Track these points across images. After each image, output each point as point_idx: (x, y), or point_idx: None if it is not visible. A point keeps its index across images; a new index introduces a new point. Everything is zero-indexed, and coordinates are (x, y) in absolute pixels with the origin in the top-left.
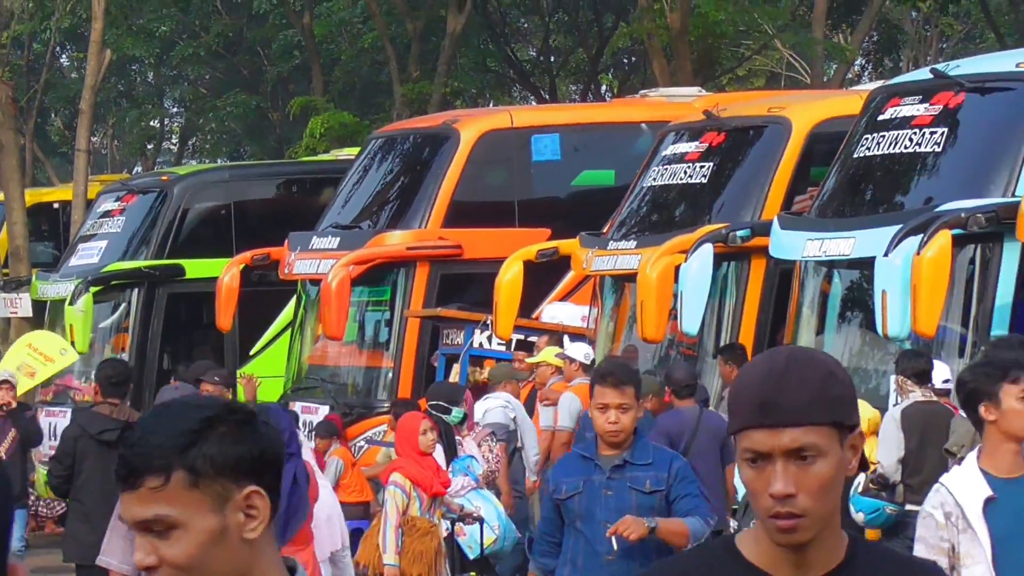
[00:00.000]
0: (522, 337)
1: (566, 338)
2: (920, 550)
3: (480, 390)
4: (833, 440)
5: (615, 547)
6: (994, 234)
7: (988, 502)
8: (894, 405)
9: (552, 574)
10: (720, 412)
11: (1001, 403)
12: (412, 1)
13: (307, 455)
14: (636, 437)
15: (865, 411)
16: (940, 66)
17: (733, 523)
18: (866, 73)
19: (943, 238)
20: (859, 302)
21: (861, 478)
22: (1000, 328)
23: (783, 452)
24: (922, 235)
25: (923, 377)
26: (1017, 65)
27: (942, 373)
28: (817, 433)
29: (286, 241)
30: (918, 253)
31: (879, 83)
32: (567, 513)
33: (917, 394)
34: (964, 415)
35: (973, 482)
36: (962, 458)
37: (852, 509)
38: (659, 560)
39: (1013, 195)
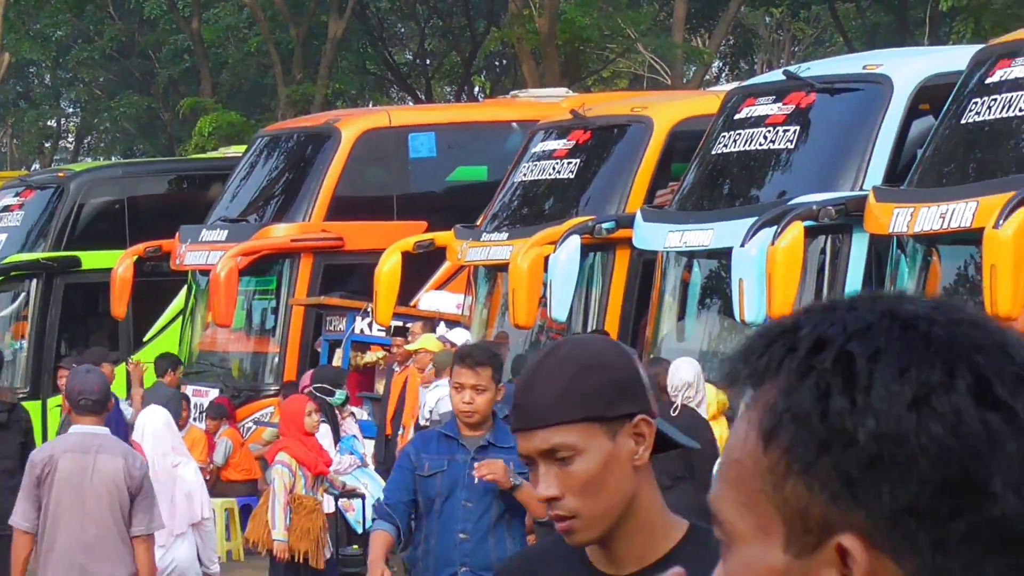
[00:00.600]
0: (401, 324)
1: (442, 324)
2: None
3: (363, 374)
4: (594, 435)
5: (477, 480)
6: (844, 225)
7: None
8: None
9: (404, 534)
10: None
11: None
12: (295, 7)
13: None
14: (496, 420)
15: (712, 394)
16: (792, 68)
17: None
18: (723, 75)
19: (796, 229)
20: (717, 290)
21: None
22: None
23: (539, 454)
24: (776, 227)
25: None
26: (864, 67)
27: None
28: (568, 431)
29: (177, 234)
30: (773, 243)
31: (735, 84)
32: (426, 491)
33: None
34: None
35: None
36: None
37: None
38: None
39: (861, 189)
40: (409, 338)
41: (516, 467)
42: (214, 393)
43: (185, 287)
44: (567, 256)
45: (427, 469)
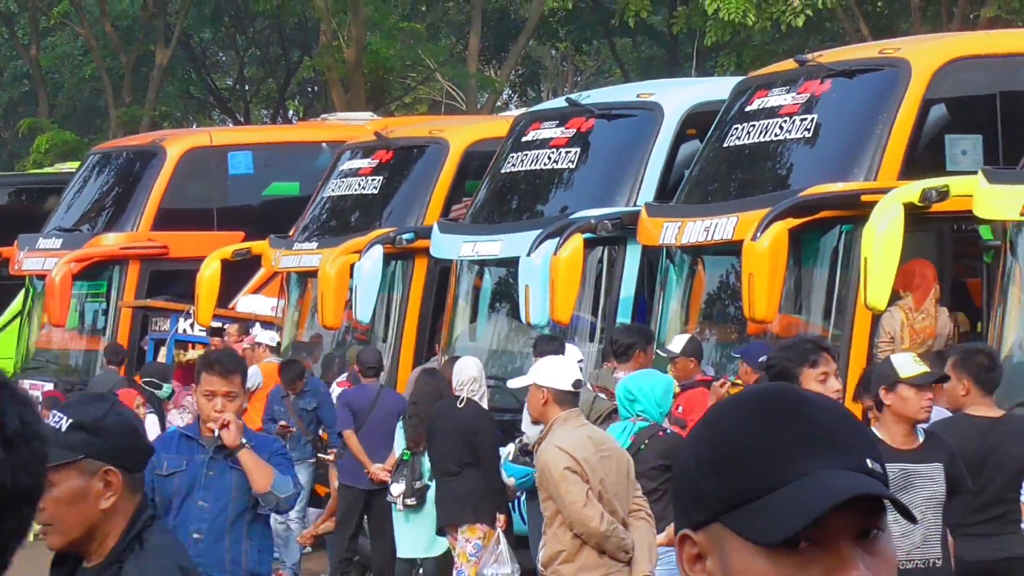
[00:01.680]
0: (219, 325)
1: (257, 325)
2: None
3: (185, 369)
4: (64, 476)
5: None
6: (619, 237)
7: None
8: None
9: None
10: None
11: (801, 385)
12: (125, 37)
13: None
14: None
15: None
16: (574, 96)
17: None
18: (513, 101)
19: (576, 241)
20: (506, 295)
21: (511, 447)
22: (624, 317)
23: None
24: (558, 238)
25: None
26: (638, 96)
27: (574, 355)
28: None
29: (16, 242)
30: (555, 253)
31: (523, 110)
32: (165, 490)
33: None
34: (589, 386)
35: None
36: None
37: (504, 475)
38: None
39: (635, 204)
40: (224, 337)
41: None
42: (49, 386)
43: (23, 290)
44: (371, 264)
45: (166, 468)
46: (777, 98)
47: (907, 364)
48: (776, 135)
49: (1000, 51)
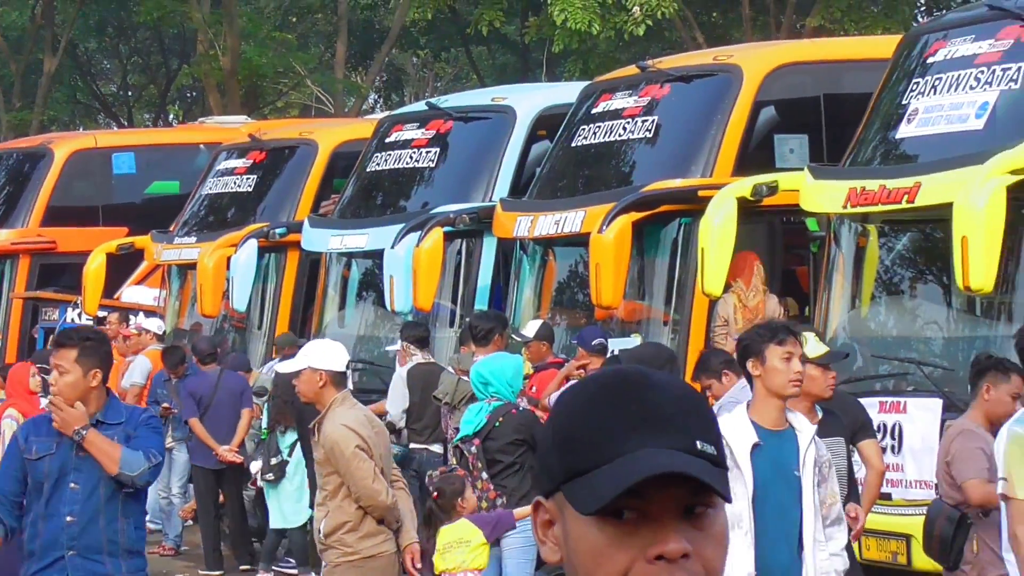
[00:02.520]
0: (105, 314)
1: (141, 314)
2: None
3: None
4: None
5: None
6: (476, 231)
7: (755, 447)
8: (401, 366)
9: (12, 532)
10: None
11: (766, 361)
12: (14, 45)
13: None
14: (110, 398)
15: None
16: (434, 100)
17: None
18: (377, 105)
19: (436, 234)
20: (372, 285)
21: None
22: (481, 304)
23: None
24: (420, 231)
25: (423, 343)
26: (492, 100)
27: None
28: None
29: None
30: (417, 245)
31: (387, 113)
32: (35, 474)
33: (419, 357)
34: (451, 370)
35: (742, 428)
36: (449, 403)
37: None
38: None
39: (490, 200)
40: (106, 325)
41: (123, 441)
42: None
43: None
44: (246, 256)
45: (35, 452)
46: (620, 101)
47: (812, 345)
48: (620, 135)
49: (824, 57)
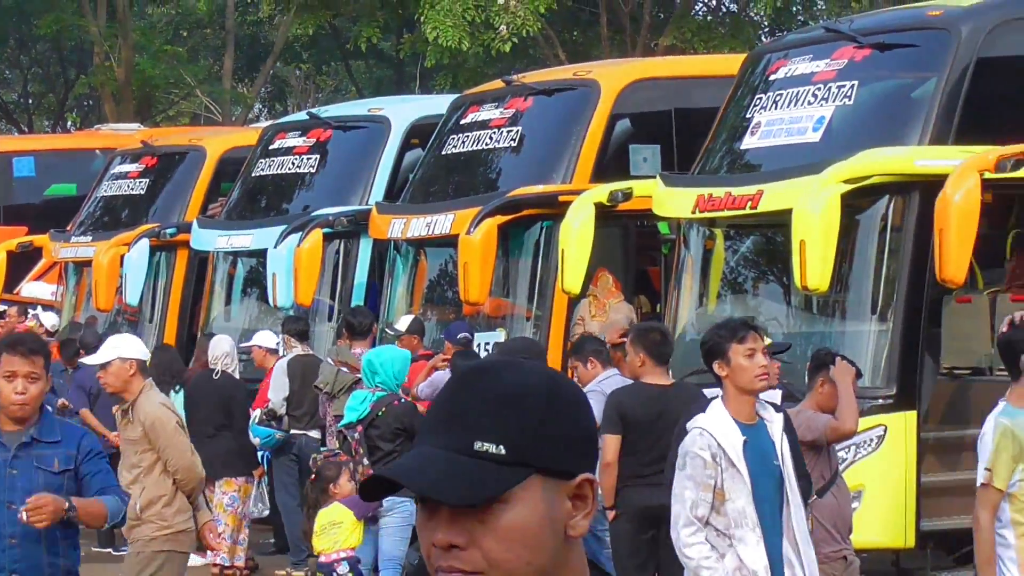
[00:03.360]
0: (3, 308)
1: (40, 308)
2: (689, 487)
3: None
4: None
5: (24, 517)
6: (353, 232)
7: (744, 444)
8: (282, 357)
9: None
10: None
11: (731, 360)
12: None
13: None
14: (42, 414)
15: None
16: (315, 110)
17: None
18: (262, 115)
19: (316, 235)
20: (256, 282)
21: (258, 413)
22: (358, 300)
23: None
24: (301, 232)
25: (303, 336)
26: (369, 110)
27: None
28: None
29: None
30: (298, 245)
31: (271, 122)
32: None
33: (298, 348)
34: (330, 361)
35: (728, 427)
36: (328, 392)
37: (252, 435)
38: None
39: (367, 203)
40: (6, 319)
41: (63, 462)
42: None
43: None
44: (138, 255)
45: None
46: (487, 113)
47: None
48: (487, 144)
49: (675, 74)
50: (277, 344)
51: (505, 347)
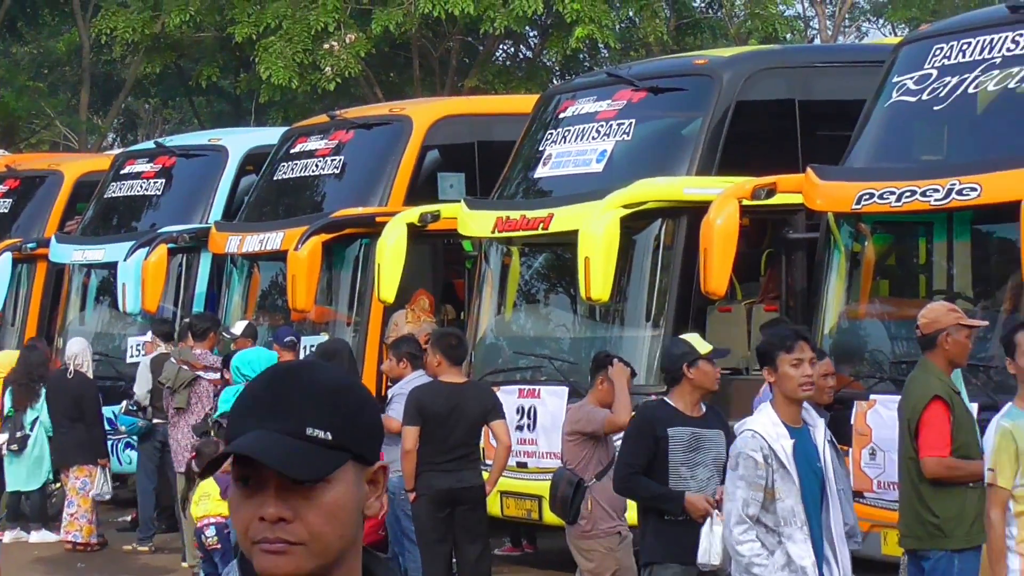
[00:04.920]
0: None
1: None
2: (742, 486)
3: None
4: None
5: None
6: (195, 247)
7: (794, 447)
8: (144, 355)
9: None
10: None
11: (778, 368)
12: None
13: None
14: None
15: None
16: (161, 140)
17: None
18: (115, 143)
19: (161, 249)
20: (108, 291)
21: (124, 404)
22: (199, 307)
23: None
24: (148, 247)
25: (168, 337)
26: (209, 140)
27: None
28: None
29: None
30: (145, 259)
31: (122, 150)
32: None
33: (162, 348)
34: (173, 361)
35: (779, 431)
36: (170, 387)
37: (119, 424)
38: None
39: (207, 222)
40: None
41: None
42: None
43: None
44: (2, 267)
45: None
46: (314, 143)
47: (701, 342)
48: (313, 171)
49: (478, 111)
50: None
51: (319, 347)
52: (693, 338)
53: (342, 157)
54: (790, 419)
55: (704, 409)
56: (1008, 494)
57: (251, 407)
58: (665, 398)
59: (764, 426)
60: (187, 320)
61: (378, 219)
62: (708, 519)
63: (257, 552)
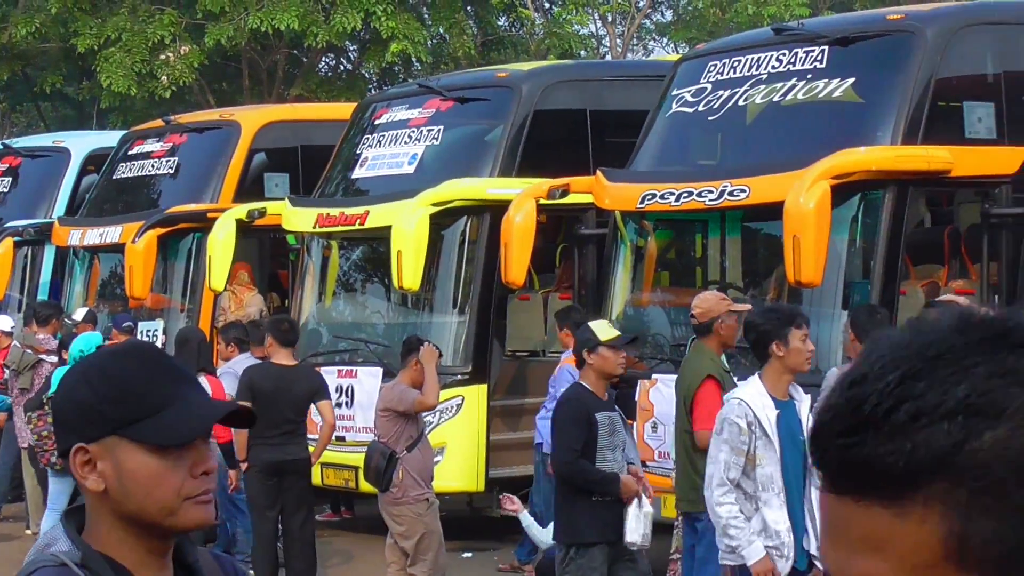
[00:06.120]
0: None
1: None
2: (725, 450)
3: None
4: None
5: None
6: (40, 240)
7: (777, 417)
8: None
9: None
10: None
11: (789, 343)
12: None
13: None
14: None
15: None
16: (8, 141)
17: None
18: None
19: (8, 243)
20: None
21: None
22: (43, 295)
23: None
24: None
25: (43, 321)
26: (53, 143)
27: (7, 321)
28: None
29: None
30: None
31: None
32: None
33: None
34: (18, 344)
35: (764, 400)
36: (15, 370)
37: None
38: None
39: (51, 217)
40: None
41: None
42: None
43: None
44: None
45: None
46: (151, 145)
47: (604, 329)
48: (150, 171)
49: (302, 117)
50: (12, 328)
51: (183, 332)
52: (598, 325)
53: (176, 158)
54: (779, 392)
55: (607, 394)
56: None
57: (160, 378)
58: (582, 382)
59: (751, 395)
60: (31, 307)
61: (209, 215)
62: (636, 500)
63: (190, 507)
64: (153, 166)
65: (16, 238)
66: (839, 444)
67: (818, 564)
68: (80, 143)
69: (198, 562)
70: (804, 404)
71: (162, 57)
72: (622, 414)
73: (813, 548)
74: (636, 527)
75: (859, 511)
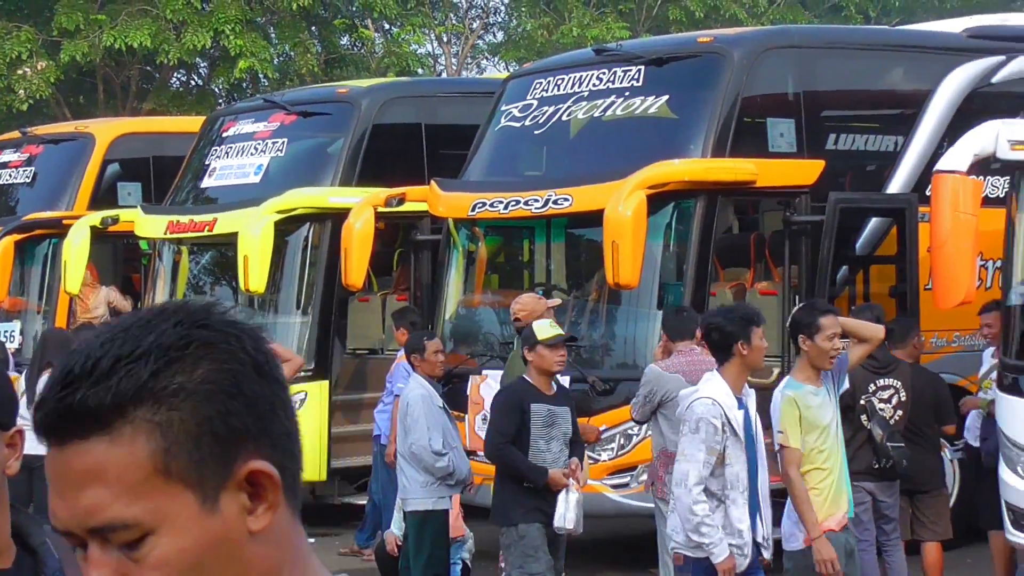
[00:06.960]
0: None
1: None
2: (703, 449)
3: None
4: None
5: None
6: None
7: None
8: None
9: None
10: None
11: (751, 342)
12: None
13: None
14: None
15: None
16: None
17: None
18: None
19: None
20: None
21: None
22: None
23: None
24: None
25: None
26: None
27: None
28: None
29: None
30: None
31: None
32: None
33: None
34: None
35: (730, 401)
36: None
37: None
38: None
39: None
40: None
41: None
42: None
43: None
44: None
45: None
46: (8, 156)
47: (544, 329)
48: (8, 180)
49: (154, 130)
50: None
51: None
52: (539, 324)
53: (33, 168)
54: (739, 388)
55: (555, 388)
56: (800, 454)
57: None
58: (525, 376)
59: (721, 395)
60: None
61: (64, 222)
62: (565, 489)
63: None
64: (10, 175)
65: None
66: (56, 398)
67: (765, 554)
68: None
69: (45, 544)
70: (751, 399)
71: (19, 72)
72: (574, 409)
73: (759, 536)
74: (563, 513)
75: (81, 451)
